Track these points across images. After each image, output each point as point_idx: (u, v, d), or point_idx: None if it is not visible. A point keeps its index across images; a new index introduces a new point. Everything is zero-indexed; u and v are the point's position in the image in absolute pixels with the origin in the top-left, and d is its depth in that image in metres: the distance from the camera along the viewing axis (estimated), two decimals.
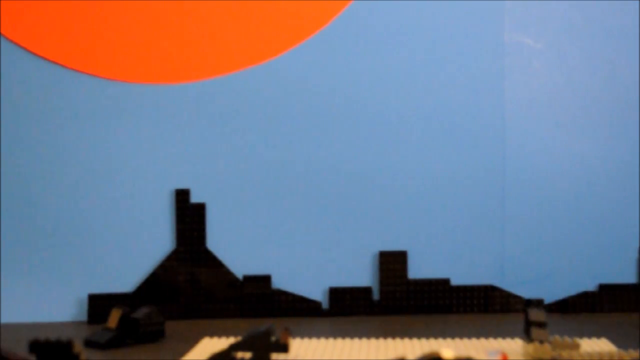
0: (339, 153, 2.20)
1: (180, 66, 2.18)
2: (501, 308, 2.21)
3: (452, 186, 2.21)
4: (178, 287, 2.18)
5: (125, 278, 2.18)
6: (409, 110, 2.20)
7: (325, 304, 2.21)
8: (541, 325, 1.71)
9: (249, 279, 2.19)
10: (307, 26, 2.19)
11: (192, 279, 2.18)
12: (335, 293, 2.20)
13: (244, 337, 1.65)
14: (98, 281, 2.17)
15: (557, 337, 1.70)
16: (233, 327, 2.07)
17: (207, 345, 1.86)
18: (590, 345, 1.81)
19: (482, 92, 2.20)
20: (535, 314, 1.73)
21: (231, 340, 1.87)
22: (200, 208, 2.18)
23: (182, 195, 2.18)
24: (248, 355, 1.63)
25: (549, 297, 2.21)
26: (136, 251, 2.18)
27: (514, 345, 1.82)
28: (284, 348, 1.65)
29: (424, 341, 1.87)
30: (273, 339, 1.65)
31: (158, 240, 2.18)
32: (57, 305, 2.17)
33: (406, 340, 1.88)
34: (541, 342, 1.69)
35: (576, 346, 1.68)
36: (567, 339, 1.69)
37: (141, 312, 1.92)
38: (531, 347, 1.69)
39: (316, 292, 2.21)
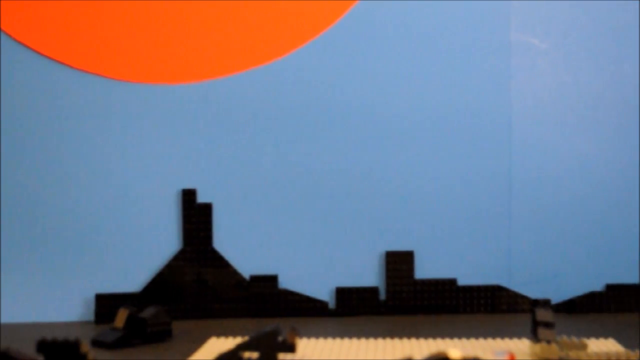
0: (346, 153, 2.20)
1: (186, 66, 2.18)
2: (508, 308, 2.20)
3: (458, 186, 2.21)
4: (185, 287, 2.18)
5: (132, 278, 2.18)
6: (415, 110, 2.20)
7: (332, 304, 2.21)
8: (548, 325, 1.71)
9: (255, 279, 2.19)
10: (313, 26, 2.19)
11: (199, 279, 2.18)
12: (342, 293, 2.20)
13: (251, 337, 1.65)
14: (105, 281, 2.18)
15: (565, 337, 1.70)
16: (240, 327, 2.07)
17: (214, 345, 1.86)
18: (597, 345, 1.81)
19: (488, 92, 2.20)
20: (543, 314, 1.73)
21: (238, 340, 1.87)
22: (207, 208, 2.19)
23: (188, 196, 2.18)
24: (255, 355, 1.63)
25: (556, 297, 2.21)
26: (143, 251, 2.18)
27: (521, 346, 1.82)
28: (290, 348, 1.65)
29: (430, 341, 1.87)
30: (280, 338, 1.65)
31: (165, 240, 2.19)
32: (65, 305, 2.18)
33: (413, 341, 1.88)
34: (548, 342, 1.69)
35: (583, 346, 1.68)
36: (574, 339, 1.69)
37: (148, 312, 1.93)
38: (538, 348, 1.69)
39: (323, 292, 2.21)
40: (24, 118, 2.17)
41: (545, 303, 2.18)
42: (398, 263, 2.19)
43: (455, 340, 1.87)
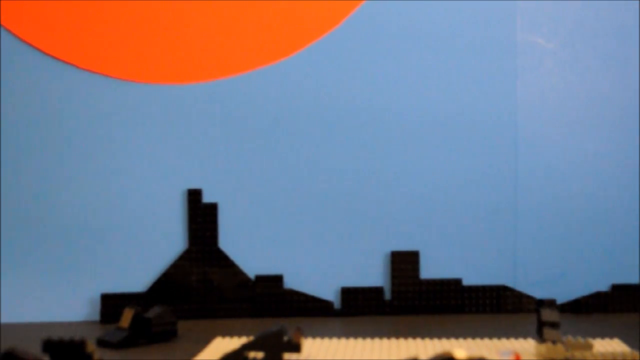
0: (351, 153, 2.20)
1: (192, 66, 2.19)
2: (513, 308, 2.20)
3: (464, 186, 2.20)
4: (190, 287, 2.18)
5: (137, 278, 2.18)
6: (421, 111, 2.20)
7: (337, 304, 2.21)
8: (554, 325, 1.71)
9: (261, 279, 2.19)
10: (318, 27, 2.19)
11: (204, 279, 2.19)
12: (347, 293, 2.20)
13: (256, 337, 1.65)
14: (111, 281, 2.18)
15: (570, 338, 1.70)
16: (245, 327, 2.07)
17: (220, 345, 1.86)
18: (603, 345, 1.80)
19: (495, 92, 2.20)
20: (548, 314, 1.72)
21: (243, 340, 1.87)
22: (213, 208, 2.19)
23: (194, 195, 2.19)
24: (260, 355, 1.63)
25: (562, 298, 2.21)
26: (149, 251, 2.19)
27: (527, 346, 1.81)
28: (296, 348, 1.65)
29: (436, 341, 1.87)
30: (285, 338, 1.65)
31: (170, 240, 2.19)
32: (70, 305, 2.18)
33: (418, 340, 1.88)
34: (554, 342, 1.69)
35: (589, 346, 1.68)
36: (580, 339, 1.69)
37: (154, 312, 1.93)
38: (544, 348, 1.69)
39: (328, 292, 2.21)
40: (29, 118, 2.17)
41: (550, 303, 2.17)
42: (403, 263, 2.19)
43: (461, 341, 1.87)
